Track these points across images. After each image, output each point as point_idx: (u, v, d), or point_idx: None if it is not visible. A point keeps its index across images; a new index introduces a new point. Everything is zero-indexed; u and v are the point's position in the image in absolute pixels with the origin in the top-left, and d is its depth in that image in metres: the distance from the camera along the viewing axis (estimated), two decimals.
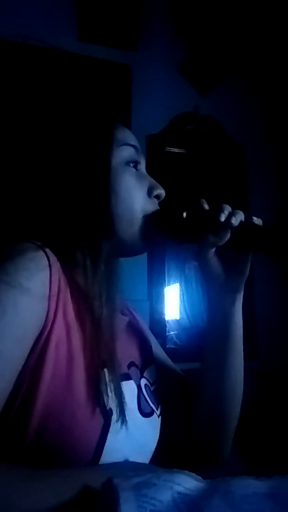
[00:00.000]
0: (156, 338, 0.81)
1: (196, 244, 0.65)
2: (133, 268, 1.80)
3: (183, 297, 1.91)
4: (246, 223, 0.62)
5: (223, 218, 0.60)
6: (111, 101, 1.90)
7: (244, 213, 0.62)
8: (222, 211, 0.60)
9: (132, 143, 0.68)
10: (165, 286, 1.89)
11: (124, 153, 0.66)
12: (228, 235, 0.61)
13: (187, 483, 0.39)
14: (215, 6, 2.06)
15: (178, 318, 1.89)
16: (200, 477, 0.42)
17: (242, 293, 0.67)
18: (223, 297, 0.67)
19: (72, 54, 1.89)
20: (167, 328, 1.85)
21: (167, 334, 1.84)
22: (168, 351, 0.81)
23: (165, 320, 1.85)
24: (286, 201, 2.14)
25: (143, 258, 1.85)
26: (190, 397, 0.73)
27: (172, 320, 1.88)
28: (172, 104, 2.07)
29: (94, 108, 0.79)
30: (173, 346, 1.81)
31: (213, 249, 0.64)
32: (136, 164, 0.67)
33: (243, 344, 0.69)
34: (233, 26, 2.12)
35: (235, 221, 0.60)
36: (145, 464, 0.52)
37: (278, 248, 0.58)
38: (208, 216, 0.62)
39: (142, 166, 0.70)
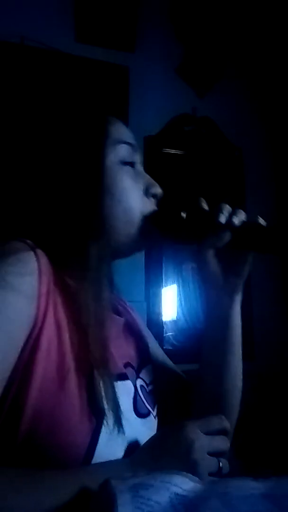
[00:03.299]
0: None
1: (195, 245, 0.64)
2: (131, 269, 1.80)
3: (181, 298, 1.91)
4: (246, 223, 0.60)
5: (222, 218, 0.58)
6: (109, 102, 1.90)
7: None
8: (221, 211, 0.59)
9: (128, 140, 0.66)
10: (162, 287, 1.89)
11: (120, 151, 0.64)
12: (228, 236, 0.59)
13: (184, 484, 0.39)
14: (213, 8, 2.06)
15: (175, 319, 1.88)
16: (197, 478, 0.42)
17: (241, 294, 0.67)
18: (222, 298, 0.66)
19: (70, 55, 1.89)
20: (164, 329, 1.84)
21: (164, 335, 1.84)
22: (165, 352, 0.81)
23: (162, 321, 1.85)
24: (282, 202, 2.15)
25: (140, 259, 1.85)
26: (190, 397, 0.72)
27: (170, 321, 1.87)
28: (169, 105, 2.07)
29: (88, 104, 0.77)
30: (170, 347, 1.81)
31: (212, 250, 0.62)
32: (132, 163, 0.66)
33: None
34: (231, 28, 2.12)
35: (236, 220, 0.59)
36: (142, 458, 0.51)
37: (279, 248, 0.57)
38: (207, 216, 0.60)
39: (138, 164, 0.68)
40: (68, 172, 0.62)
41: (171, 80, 2.11)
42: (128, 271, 1.79)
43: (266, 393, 1.74)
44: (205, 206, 0.63)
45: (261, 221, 0.60)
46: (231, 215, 0.59)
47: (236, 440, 0.58)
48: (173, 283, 1.92)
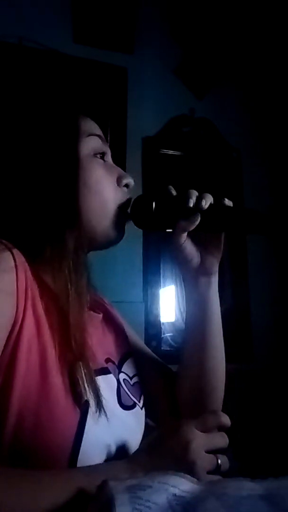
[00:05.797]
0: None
1: (169, 231, 0.67)
2: (129, 270, 1.80)
3: (179, 299, 1.91)
4: (216, 205, 0.64)
5: (191, 203, 0.62)
6: (107, 103, 1.90)
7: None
8: (189, 196, 0.62)
9: (98, 133, 0.68)
10: (160, 288, 1.89)
11: (91, 143, 0.66)
12: (198, 219, 0.62)
13: (182, 485, 0.39)
14: (211, 10, 2.07)
15: (173, 320, 1.88)
16: (195, 479, 0.42)
17: (217, 275, 0.69)
18: (199, 280, 0.68)
19: (68, 56, 1.89)
20: (162, 330, 1.84)
21: (162, 336, 1.83)
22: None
23: (160, 322, 1.84)
24: (280, 203, 2.15)
25: (138, 259, 1.85)
26: (174, 383, 0.73)
27: (168, 322, 1.87)
28: (168, 106, 2.07)
29: (59, 100, 0.79)
30: (168, 348, 1.81)
31: (185, 234, 0.65)
32: (103, 155, 0.68)
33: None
34: (229, 29, 2.13)
35: (204, 203, 0.62)
36: (139, 459, 0.52)
37: (250, 226, 0.62)
38: (177, 202, 0.64)
39: (109, 156, 0.71)
40: (44, 166, 0.63)
41: (169, 81, 2.11)
42: (126, 272, 1.79)
43: (264, 395, 1.74)
44: (174, 193, 0.66)
45: (228, 202, 0.64)
46: (199, 199, 0.63)
47: (234, 441, 0.58)
48: (171, 284, 1.92)
